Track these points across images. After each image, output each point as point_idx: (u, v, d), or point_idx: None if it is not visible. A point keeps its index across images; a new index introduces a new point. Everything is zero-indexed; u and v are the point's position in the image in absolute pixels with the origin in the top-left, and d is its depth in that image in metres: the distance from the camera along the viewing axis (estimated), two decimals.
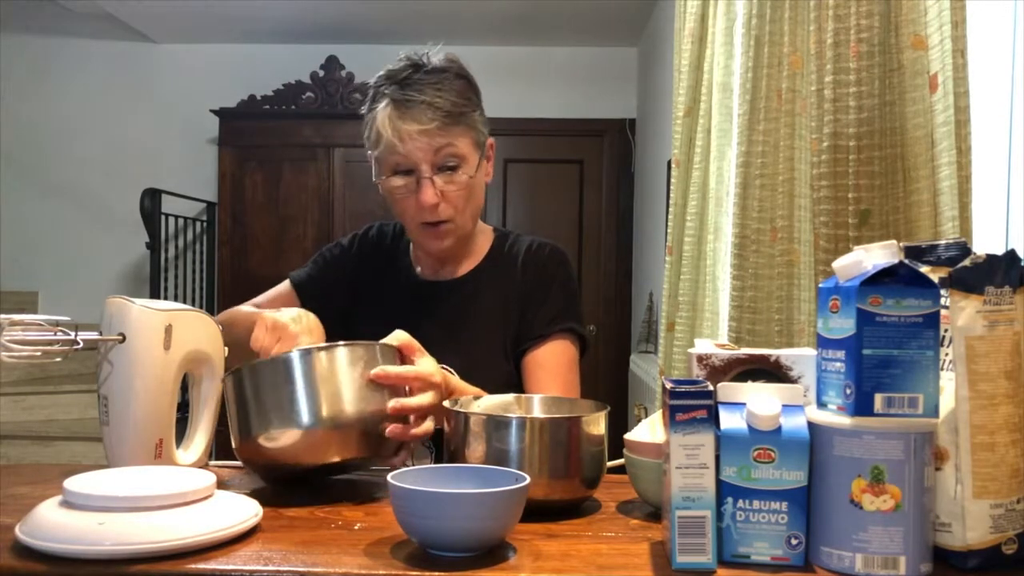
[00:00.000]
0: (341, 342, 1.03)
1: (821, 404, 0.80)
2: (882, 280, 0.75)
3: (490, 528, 0.78)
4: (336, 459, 0.98)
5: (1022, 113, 1.39)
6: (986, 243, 1.34)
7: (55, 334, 1.00)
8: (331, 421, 0.96)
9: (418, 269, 1.45)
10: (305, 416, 0.96)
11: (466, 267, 1.42)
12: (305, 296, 1.43)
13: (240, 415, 0.99)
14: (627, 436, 0.98)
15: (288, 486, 1.01)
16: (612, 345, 4.89)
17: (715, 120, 2.07)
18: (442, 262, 1.42)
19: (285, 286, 1.47)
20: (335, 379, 0.97)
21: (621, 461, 1.01)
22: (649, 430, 0.99)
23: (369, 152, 1.35)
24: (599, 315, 4.98)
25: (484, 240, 1.44)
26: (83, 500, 0.79)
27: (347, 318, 1.41)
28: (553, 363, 1.34)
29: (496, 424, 0.93)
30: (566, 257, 1.42)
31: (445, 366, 1.26)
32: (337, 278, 1.46)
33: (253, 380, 0.98)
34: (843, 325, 0.76)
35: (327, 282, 1.46)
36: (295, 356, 0.97)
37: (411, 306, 1.40)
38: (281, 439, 0.95)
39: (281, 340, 1.12)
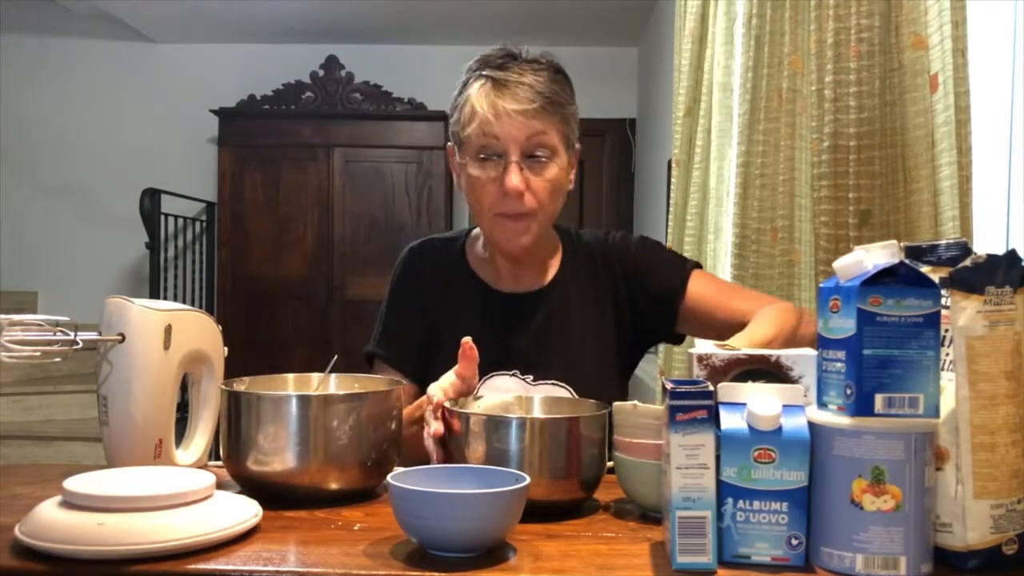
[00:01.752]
0: (341, 392, 1.05)
1: (821, 404, 0.80)
2: (883, 280, 0.75)
3: (490, 528, 0.78)
4: (325, 488, 0.97)
5: (1022, 113, 1.39)
6: (987, 243, 1.34)
7: (55, 334, 1.00)
8: (321, 464, 0.95)
9: (489, 282, 1.34)
10: (296, 458, 0.95)
11: (550, 273, 1.34)
12: (395, 358, 1.32)
13: (231, 435, 0.99)
14: (617, 436, 0.97)
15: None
16: None
17: (715, 120, 2.07)
18: (520, 270, 1.33)
19: (378, 364, 1.34)
20: (330, 426, 0.96)
21: None
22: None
23: (450, 142, 1.29)
24: None
25: (556, 242, 1.37)
26: (83, 500, 0.79)
27: (429, 347, 1.31)
28: (714, 284, 1.34)
29: (496, 424, 0.93)
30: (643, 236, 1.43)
31: (560, 383, 1.25)
32: (411, 318, 1.35)
33: (249, 407, 0.97)
34: (843, 325, 0.76)
35: (406, 329, 1.34)
36: (294, 399, 0.97)
37: (499, 322, 1.30)
38: (270, 467, 0.95)
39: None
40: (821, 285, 0.82)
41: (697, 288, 1.31)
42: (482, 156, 1.22)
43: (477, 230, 1.38)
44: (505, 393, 1.18)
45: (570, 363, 1.27)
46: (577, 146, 1.31)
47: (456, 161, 1.28)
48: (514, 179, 1.19)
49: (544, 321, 1.30)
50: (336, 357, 1.15)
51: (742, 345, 1.04)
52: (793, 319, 1.23)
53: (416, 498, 0.77)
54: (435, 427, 0.96)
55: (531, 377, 1.26)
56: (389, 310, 1.37)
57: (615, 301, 1.33)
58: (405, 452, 1.07)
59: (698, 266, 1.36)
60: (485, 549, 0.78)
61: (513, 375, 1.26)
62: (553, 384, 1.26)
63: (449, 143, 1.31)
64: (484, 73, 1.22)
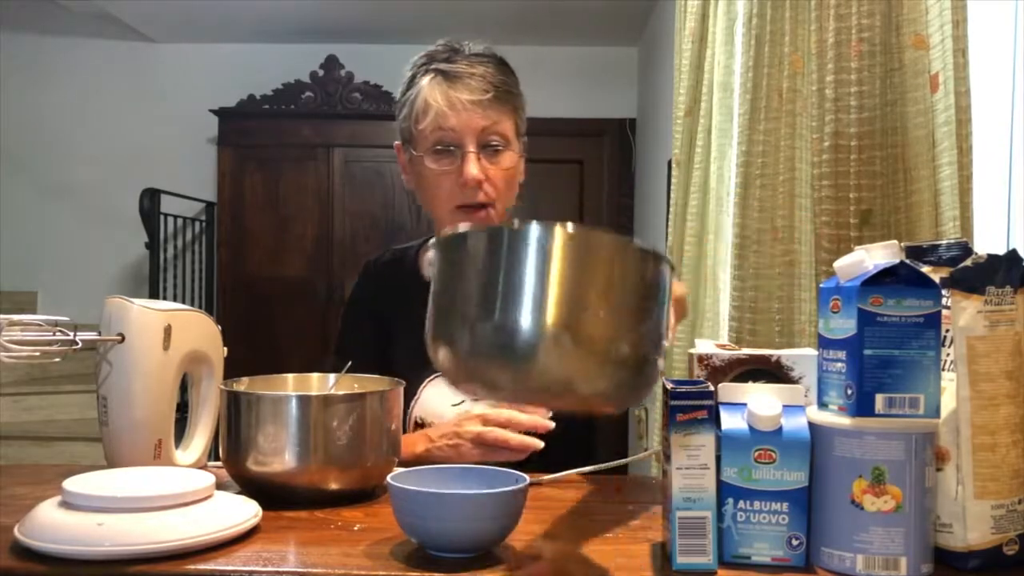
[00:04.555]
0: (341, 392, 1.05)
1: (822, 404, 0.80)
2: (883, 280, 0.75)
3: (490, 529, 0.78)
4: (325, 488, 0.97)
5: (1022, 113, 1.38)
6: (987, 243, 1.34)
7: (54, 334, 1.00)
8: (321, 465, 0.95)
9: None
10: (295, 458, 0.95)
11: None
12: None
13: (231, 435, 0.98)
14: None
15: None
16: None
17: (715, 120, 2.07)
18: None
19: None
20: (330, 426, 0.95)
21: (622, 461, 1.01)
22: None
23: (401, 139, 1.27)
24: None
25: None
26: (82, 501, 0.79)
27: (386, 356, 1.31)
28: None
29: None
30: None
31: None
32: (368, 332, 1.36)
33: (249, 407, 0.97)
34: (844, 325, 0.76)
35: (364, 344, 1.35)
36: (294, 399, 0.97)
37: None
38: (269, 467, 0.95)
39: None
40: (822, 285, 0.82)
41: None
42: (438, 148, 1.21)
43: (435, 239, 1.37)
44: (449, 396, 1.17)
45: None
46: (524, 139, 1.31)
47: (407, 158, 1.28)
48: (473, 169, 1.19)
49: None
50: (350, 363, 1.14)
51: None
52: None
53: (416, 498, 0.77)
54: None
55: None
56: (346, 324, 1.38)
57: None
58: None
59: None
60: (485, 550, 0.78)
61: None
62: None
63: (397, 142, 1.31)
64: (433, 67, 1.22)
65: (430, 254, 1.03)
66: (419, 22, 4.62)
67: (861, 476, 0.74)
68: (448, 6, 4.36)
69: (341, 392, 1.08)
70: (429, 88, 1.20)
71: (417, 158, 1.24)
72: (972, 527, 0.75)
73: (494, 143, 1.22)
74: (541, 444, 1.04)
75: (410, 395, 1.23)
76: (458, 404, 1.13)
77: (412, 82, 1.24)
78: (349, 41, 4.85)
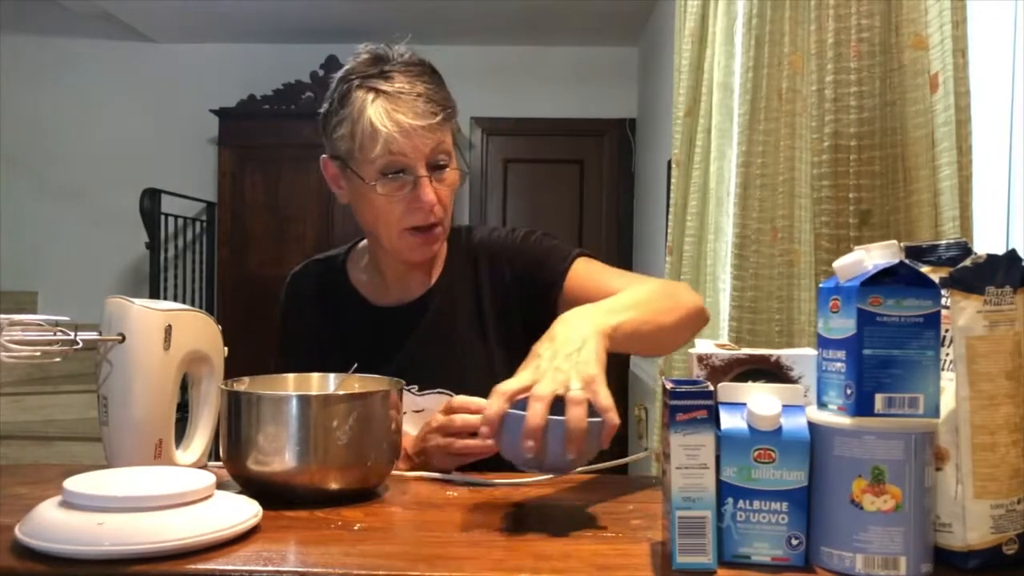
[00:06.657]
0: (341, 392, 1.05)
1: (821, 404, 0.80)
2: (883, 280, 0.75)
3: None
4: (325, 488, 0.97)
5: (1022, 113, 1.39)
6: (987, 243, 1.34)
7: (55, 334, 1.00)
8: (321, 464, 0.95)
9: (370, 296, 1.33)
10: (296, 458, 0.95)
11: (433, 278, 1.32)
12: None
13: (231, 435, 0.98)
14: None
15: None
16: None
17: (715, 120, 2.07)
18: (408, 278, 1.31)
19: None
20: (330, 426, 0.95)
21: (622, 461, 1.01)
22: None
23: (333, 154, 1.24)
24: None
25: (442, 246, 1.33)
26: (82, 500, 0.79)
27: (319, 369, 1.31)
28: (594, 269, 1.25)
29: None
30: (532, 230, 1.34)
31: (446, 391, 1.21)
32: (302, 344, 1.35)
33: (249, 407, 0.97)
34: (843, 325, 0.76)
35: (297, 357, 1.32)
36: (294, 399, 0.97)
37: (382, 338, 1.29)
38: (270, 467, 0.95)
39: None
40: (821, 285, 0.82)
41: (577, 276, 1.24)
42: (389, 174, 1.18)
43: (362, 244, 1.37)
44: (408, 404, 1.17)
45: (452, 369, 1.24)
46: (458, 134, 1.32)
47: (341, 174, 1.25)
48: (431, 194, 1.18)
49: (425, 329, 1.28)
50: (356, 364, 1.14)
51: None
52: (659, 299, 1.13)
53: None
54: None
55: (416, 388, 1.24)
56: (281, 339, 1.37)
57: (502, 297, 1.28)
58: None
59: (586, 254, 1.28)
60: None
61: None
62: (439, 393, 1.23)
63: (324, 156, 1.27)
64: (370, 85, 1.19)
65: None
66: (419, 22, 4.62)
67: (860, 476, 0.74)
68: (448, 6, 4.36)
69: (341, 392, 1.08)
70: (374, 111, 1.17)
71: (362, 182, 1.21)
72: (972, 527, 0.75)
73: (441, 162, 1.21)
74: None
75: None
76: (419, 412, 1.14)
77: (347, 99, 1.22)
78: (349, 41, 4.81)
